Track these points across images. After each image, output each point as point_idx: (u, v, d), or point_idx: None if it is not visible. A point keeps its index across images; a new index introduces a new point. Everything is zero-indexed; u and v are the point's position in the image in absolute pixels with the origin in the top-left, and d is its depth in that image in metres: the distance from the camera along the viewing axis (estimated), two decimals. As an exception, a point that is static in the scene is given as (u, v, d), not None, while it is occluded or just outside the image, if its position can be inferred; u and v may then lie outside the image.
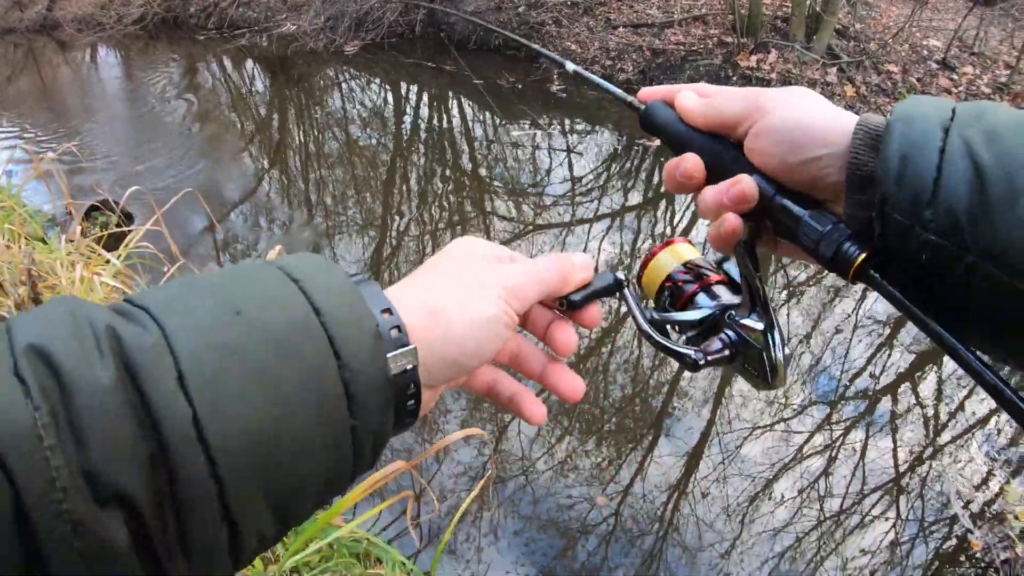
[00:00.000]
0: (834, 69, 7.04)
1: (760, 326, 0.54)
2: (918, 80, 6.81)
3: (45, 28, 24.80)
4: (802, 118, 0.50)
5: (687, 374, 3.42)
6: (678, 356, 0.55)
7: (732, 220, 0.52)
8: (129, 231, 3.58)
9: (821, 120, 0.49)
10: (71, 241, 3.28)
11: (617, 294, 0.55)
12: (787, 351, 0.55)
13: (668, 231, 5.00)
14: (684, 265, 0.62)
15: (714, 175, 0.54)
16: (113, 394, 0.32)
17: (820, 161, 0.49)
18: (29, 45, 22.15)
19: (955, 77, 6.82)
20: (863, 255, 0.47)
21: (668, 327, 0.59)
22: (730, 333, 0.55)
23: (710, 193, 0.54)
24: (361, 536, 2.40)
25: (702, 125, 0.56)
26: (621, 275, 0.54)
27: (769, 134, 0.51)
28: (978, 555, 2.71)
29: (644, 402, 3.40)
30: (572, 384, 0.53)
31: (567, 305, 0.52)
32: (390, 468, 2.03)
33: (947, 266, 0.43)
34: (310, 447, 0.37)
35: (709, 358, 0.54)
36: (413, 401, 0.43)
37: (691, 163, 0.55)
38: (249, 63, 11.08)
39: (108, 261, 3.14)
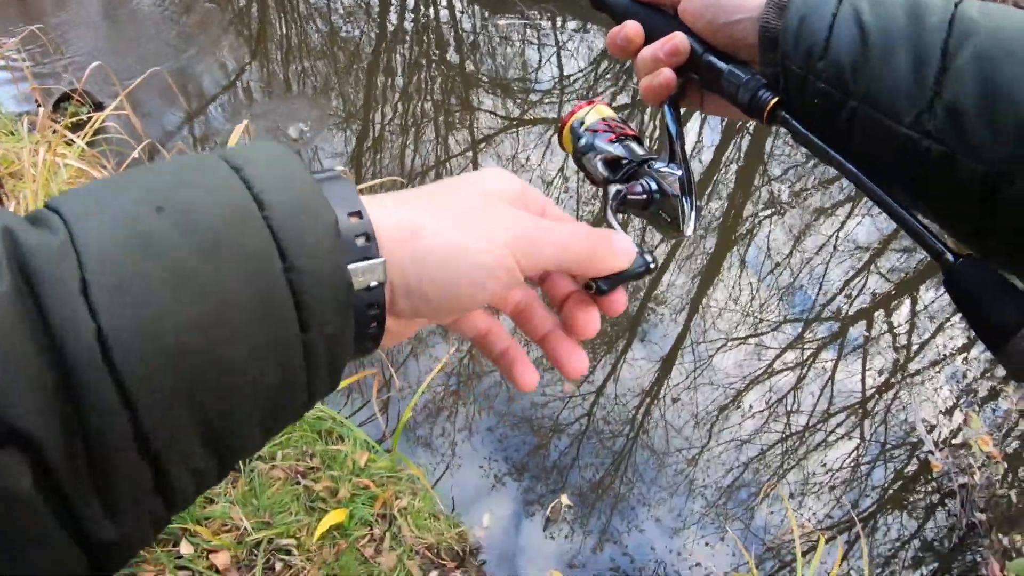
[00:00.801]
0: None
1: (679, 173, 0.58)
2: None
3: None
4: None
5: (664, 280, 3.42)
6: (607, 185, 0.60)
7: (666, 73, 0.59)
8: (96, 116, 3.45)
9: None
10: (38, 130, 3.15)
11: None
12: (699, 203, 0.59)
13: (650, 131, 4.91)
14: (603, 119, 0.66)
15: (650, 39, 0.61)
16: (6, 309, 0.26)
17: (740, 24, 0.55)
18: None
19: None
20: (775, 100, 0.54)
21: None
22: (648, 181, 0.58)
23: (648, 51, 0.60)
24: (327, 415, 2.42)
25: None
26: (650, 258, 0.51)
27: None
28: (936, 478, 2.79)
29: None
30: (577, 360, 0.47)
31: (594, 290, 0.47)
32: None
33: (836, 111, 0.51)
34: (248, 365, 0.31)
35: (630, 197, 0.57)
36: (376, 324, 0.37)
37: (631, 28, 0.61)
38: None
39: (72, 143, 3.02)
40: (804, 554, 2.41)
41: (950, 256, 0.46)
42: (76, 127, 3.37)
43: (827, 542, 2.50)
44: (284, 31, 6.82)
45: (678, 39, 0.58)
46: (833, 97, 0.50)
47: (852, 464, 2.85)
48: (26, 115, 4.36)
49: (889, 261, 3.84)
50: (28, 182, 2.54)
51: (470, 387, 2.89)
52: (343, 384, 2.18)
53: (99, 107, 4.21)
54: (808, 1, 0.51)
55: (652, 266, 0.50)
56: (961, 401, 3.13)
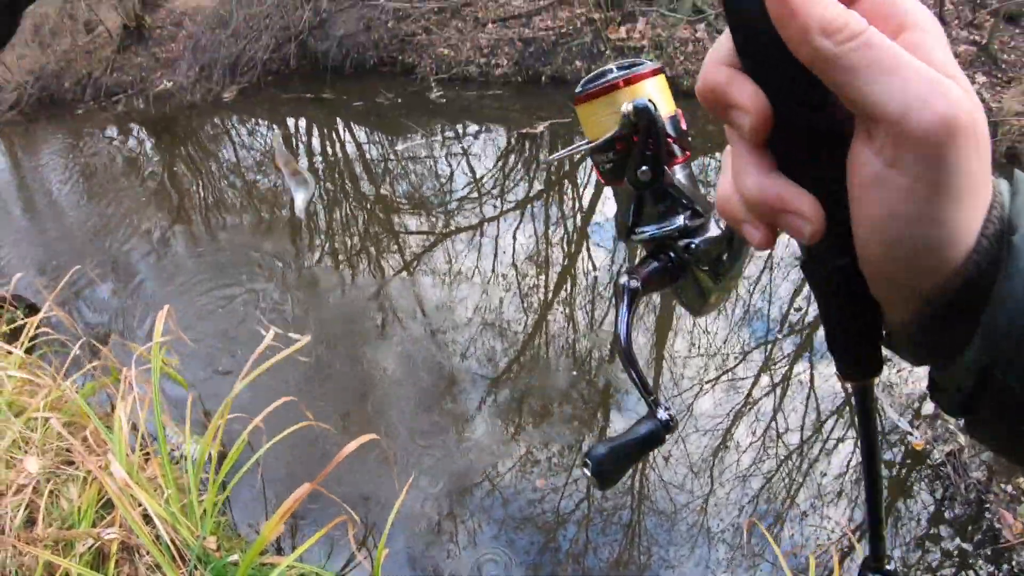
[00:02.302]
0: (702, 24, 7.23)
1: (720, 229, 0.54)
2: None
3: (-80, 128, 23.44)
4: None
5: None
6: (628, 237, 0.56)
7: (758, 236, 0.37)
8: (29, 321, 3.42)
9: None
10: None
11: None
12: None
13: (577, 215, 5.04)
14: (671, 115, 0.53)
15: (777, 134, 0.34)
16: None
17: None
18: (-97, 147, 20.91)
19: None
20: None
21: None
22: (677, 252, 0.54)
23: (758, 182, 0.35)
24: (309, 571, 2.33)
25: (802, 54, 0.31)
26: (665, 415, 0.48)
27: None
28: (923, 453, 2.81)
29: (588, 383, 3.40)
30: None
31: (591, 468, 0.48)
32: (298, 491, 2.02)
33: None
34: None
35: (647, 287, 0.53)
36: None
37: (748, 98, 0.34)
38: (133, 128, 10.73)
39: (10, 353, 2.98)
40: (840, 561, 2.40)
41: None
42: (13, 333, 3.32)
43: (847, 552, 2.49)
44: (201, 193, 6.89)
45: (810, 229, 0.34)
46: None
47: (848, 466, 2.85)
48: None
49: None
50: (-30, 401, 2.47)
51: (465, 502, 2.84)
52: (317, 536, 2.14)
53: (32, 308, 4.19)
54: None
55: (670, 424, 0.48)
56: (922, 375, 3.19)
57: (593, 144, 0.54)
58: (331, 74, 9.26)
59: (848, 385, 0.42)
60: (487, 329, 3.73)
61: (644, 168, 0.52)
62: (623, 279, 0.53)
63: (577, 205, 5.20)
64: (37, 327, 3.08)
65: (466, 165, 6.12)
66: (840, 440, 2.96)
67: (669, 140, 0.52)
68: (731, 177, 0.37)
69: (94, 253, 5.76)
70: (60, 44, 17.46)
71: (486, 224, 4.91)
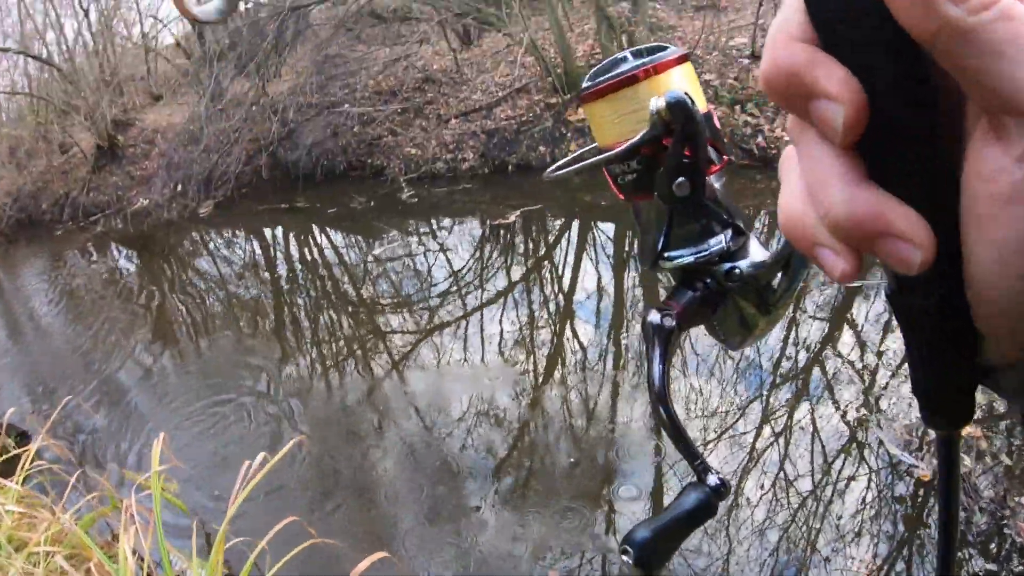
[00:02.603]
0: None
1: (764, 248, 0.45)
2: (735, 79, 7.18)
3: None
4: None
5: (620, 417, 3.48)
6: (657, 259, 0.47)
7: (842, 266, 0.27)
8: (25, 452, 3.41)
9: None
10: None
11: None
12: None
13: (558, 300, 5.13)
14: (706, 112, 0.44)
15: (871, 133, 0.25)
16: None
17: None
18: None
19: (769, 65, 7.30)
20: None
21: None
22: (716, 278, 0.46)
23: (849, 196, 0.26)
24: None
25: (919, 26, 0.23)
26: (715, 479, 0.45)
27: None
28: (932, 483, 2.85)
29: (590, 462, 3.41)
30: None
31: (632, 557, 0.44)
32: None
33: None
34: None
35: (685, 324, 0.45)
36: None
37: (840, 85, 0.25)
38: (113, 247, 10.80)
39: (5, 487, 2.96)
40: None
41: None
42: (7, 464, 3.30)
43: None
44: (184, 309, 6.91)
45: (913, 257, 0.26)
46: None
47: (861, 507, 2.87)
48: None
49: (811, 303, 4.05)
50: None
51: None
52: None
53: (23, 435, 4.21)
54: None
55: (722, 489, 0.45)
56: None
57: (613, 154, 0.44)
58: (303, 182, 9.47)
59: (933, 432, 0.35)
60: (483, 419, 3.75)
61: (681, 179, 0.42)
62: (654, 316, 0.45)
63: (557, 286, 5.31)
64: (32, 460, 3.06)
65: (444, 260, 6.24)
66: (851, 479, 2.97)
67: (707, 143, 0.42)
68: (803, 190, 0.28)
69: (82, 376, 5.74)
70: (36, 165, 17.68)
71: (470, 315, 4.99)
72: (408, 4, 10.29)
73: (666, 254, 0.47)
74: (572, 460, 3.38)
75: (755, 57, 7.40)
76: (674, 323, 0.45)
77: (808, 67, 0.25)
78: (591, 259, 5.56)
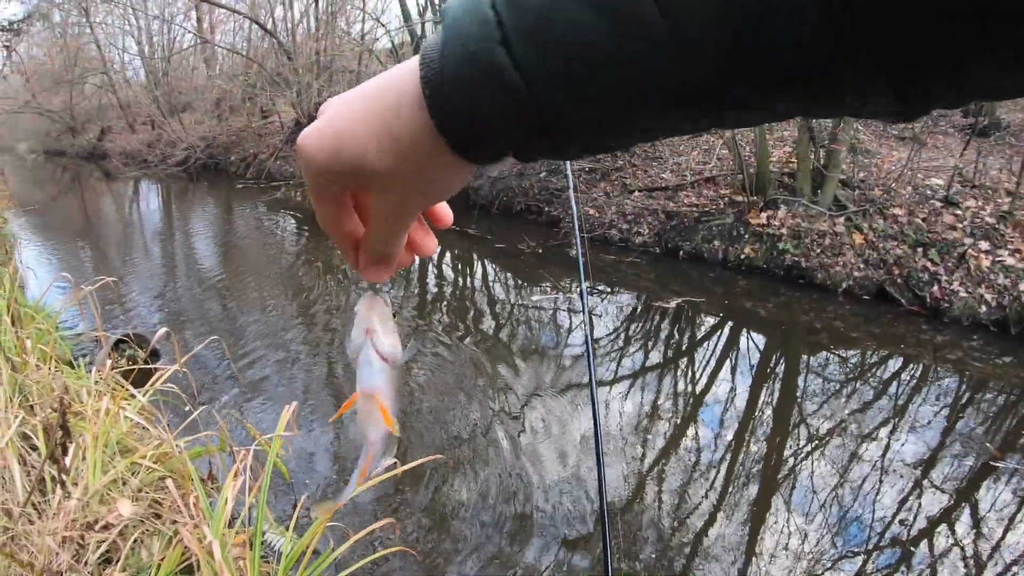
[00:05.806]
0: (842, 219, 7.23)
1: None
2: (923, 220, 6.93)
3: (93, 157, 26.38)
4: None
5: (712, 532, 3.27)
6: None
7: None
8: (153, 368, 3.62)
9: None
10: (99, 371, 3.29)
11: None
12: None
13: (689, 389, 4.95)
14: None
15: None
16: None
17: None
18: (77, 170, 23.35)
19: (959, 212, 6.90)
20: None
21: None
22: None
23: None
24: None
25: None
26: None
27: None
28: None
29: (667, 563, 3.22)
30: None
31: None
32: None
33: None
34: None
35: None
36: None
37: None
38: (284, 213, 11.51)
39: (133, 396, 3.13)
40: None
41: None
42: (136, 376, 3.50)
43: None
44: (331, 294, 7.20)
45: None
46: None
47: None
48: (83, 356, 4.64)
49: (940, 474, 3.74)
50: (89, 425, 2.59)
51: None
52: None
53: (155, 354, 4.48)
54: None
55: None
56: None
57: None
58: (479, 211, 9.74)
59: None
60: (577, 489, 3.64)
61: None
62: None
63: (691, 382, 5.12)
64: (164, 380, 3.23)
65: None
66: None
67: None
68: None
69: (221, 320, 6.11)
70: (236, 121, 19.28)
71: (600, 385, 4.89)
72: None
73: None
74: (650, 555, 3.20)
75: (948, 203, 7.05)
76: None
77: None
78: (731, 364, 5.33)
